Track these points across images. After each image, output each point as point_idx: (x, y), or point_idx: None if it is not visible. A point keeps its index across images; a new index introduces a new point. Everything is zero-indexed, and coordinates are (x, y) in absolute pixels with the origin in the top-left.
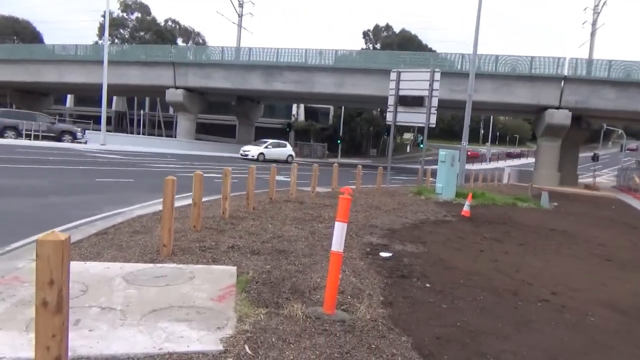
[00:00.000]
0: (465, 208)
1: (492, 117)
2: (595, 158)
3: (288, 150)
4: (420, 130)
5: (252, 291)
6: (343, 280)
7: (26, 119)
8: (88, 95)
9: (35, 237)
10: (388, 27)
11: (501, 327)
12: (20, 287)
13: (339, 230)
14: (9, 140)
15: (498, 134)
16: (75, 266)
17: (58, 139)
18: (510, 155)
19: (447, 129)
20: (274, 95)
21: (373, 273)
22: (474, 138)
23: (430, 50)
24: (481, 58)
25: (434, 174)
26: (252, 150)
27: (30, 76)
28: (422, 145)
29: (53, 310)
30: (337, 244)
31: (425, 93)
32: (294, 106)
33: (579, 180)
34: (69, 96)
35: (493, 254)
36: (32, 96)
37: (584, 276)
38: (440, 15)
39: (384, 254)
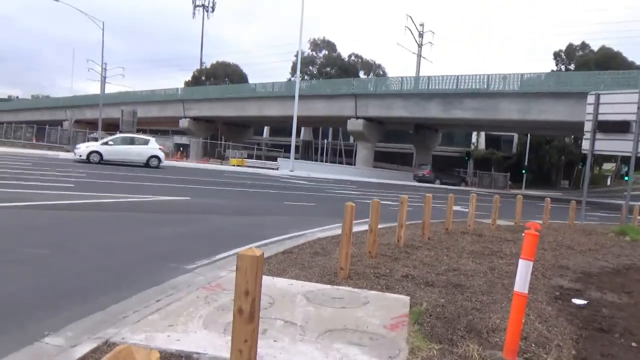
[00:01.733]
0: None
1: None
2: None
3: (149, 149)
4: (624, 160)
5: (425, 324)
6: (527, 325)
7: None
8: (281, 126)
9: (235, 251)
10: (584, 46)
11: None
12: (222, 294)
13: (524, 268)
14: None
15: None
16: (264, 280)
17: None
18: None
19: None
20: (453, 123)
21: (563, 321)
22: None
23: (638, 67)
24: None
25: None
26: (82, 149)
27: (237, 111)
28: (627, 178)
29: (247, 318)
30: (522, 284)
31: (633, 117)
32: (474, 134)
33: None
34: (265, 128)
35: None
36: (237, 128)
37: None
38: None
39: (577, 301)
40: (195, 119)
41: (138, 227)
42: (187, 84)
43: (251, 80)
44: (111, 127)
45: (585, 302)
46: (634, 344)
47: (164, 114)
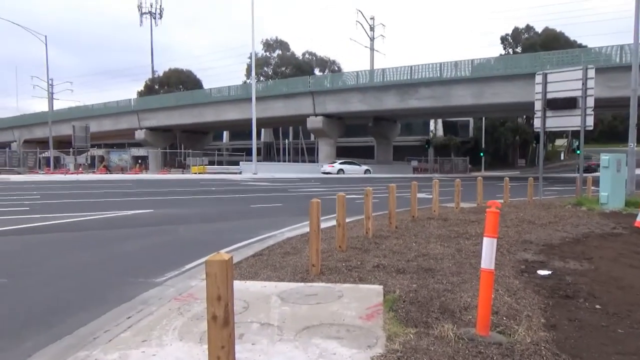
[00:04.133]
0: (639, 218)
1: None
2: None
3: None
4: (575, 134)
5: (399, 310)
6: (496, 300)
7: None
8: (241, 129)
9: (204, 259)
10: (529, 28)
11: None
12: (195, 303)
13: (489, 246)
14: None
15: None
16: (237, 285)
17: None
18: None
19: (607, 131)
20: (410, 113)
21: (530, 292)
22: None
23: (580, 46)
24: None
25: (595, 182)
26: None
27: (194, 118)
28: (578, 151)
29: (221, 324)
30: (487, 260)
31: (578, 93)
32: (432, 121)
33: None
34: (225, 132)
35: None
36: (195, 135)
37: None
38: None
39: (541, 272)
40: (151, 129)
41: (102, 244)
42: (140, 94)
43: (206, 86)
44: (63, 144)
45: (550, 272)
46: (598, 306)
47: (119, 127)
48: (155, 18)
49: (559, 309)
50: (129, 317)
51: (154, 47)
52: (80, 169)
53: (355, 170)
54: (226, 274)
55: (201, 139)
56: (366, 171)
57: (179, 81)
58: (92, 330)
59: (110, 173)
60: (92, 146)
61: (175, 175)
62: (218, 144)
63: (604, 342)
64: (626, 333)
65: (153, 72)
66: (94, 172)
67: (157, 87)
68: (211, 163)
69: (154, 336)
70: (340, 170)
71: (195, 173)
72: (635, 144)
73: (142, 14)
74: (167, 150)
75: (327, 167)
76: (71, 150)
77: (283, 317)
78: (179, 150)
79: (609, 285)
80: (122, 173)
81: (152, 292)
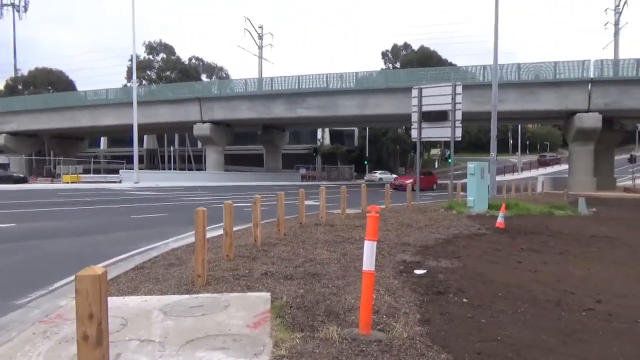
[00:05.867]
0: (499, 220)
1: (519, 126)
2: (632, 160)
3: None
4: (447, 144)
5: (287, 316)
6: (377, 300)
7: None
8: (120, 136)
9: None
10: (406, 46)
11: (545, 340)
12: (64, 325)
13: (369, 249)
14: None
15: (528, 142)
16: (114, 301)
17: None
18: (542, 163)
19: (474, 142)
20: (299, 121)
21: (408, 291)
22: (503, 148)
23: (450, 64)
24: (503, 68)
25: (464, 188)
26: None
27: (66, 122)
28: (449, 160)
29: (94, 344)
30: (368, 263)
31: (449, 107)
32: (319, 130)
33: (618, 184)
34: (102, 138)
35: (532, 264)
36: (68, 141)
37: (630, 282)
38: (459, 29)
39: (418, 271)
40: (13, 134)
41: None
42: (0, 94)
43: (80, 88)
44: None
45: (425, 271)
46: (465, 300)
47: None
48: (18, 11)
49: (432, 305)
50: None
51: (17, 43)
52: None
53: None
54: (99, 290)
55: (75, 145)
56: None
57: (48, 82)
58: None
59: None
60: None
61: (43, 185)
62: (95, 151)
63: (470, 331)
64: (488, 322)
65: (16, 70)
66: None
67: (20, 87)
68: (87, 171)
69: None
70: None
71: (68, 182)
72: (496, 154)
73: (3, 5)
74: (34, 158)
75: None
76: None
77: (165, 331)
78: (48, 158)
79: (475, 281)
80: None
81: (12, 316)
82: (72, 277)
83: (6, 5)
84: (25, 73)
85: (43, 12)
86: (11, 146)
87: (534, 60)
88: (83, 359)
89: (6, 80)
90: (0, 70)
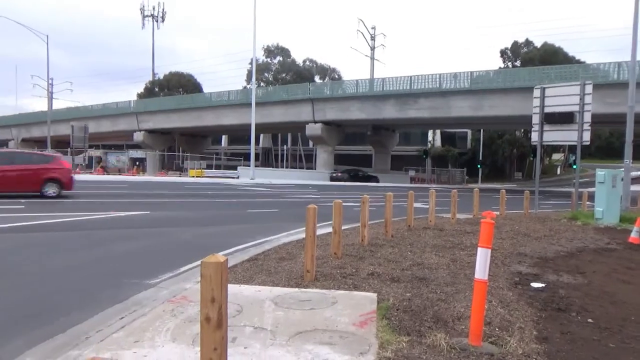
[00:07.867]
0: (634, 235)
1: None
2: None
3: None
4: (572, 149)
5: (392, 318)
6: (489, 311)
7: None
8: (239, 134)
9: (199, 262)
10: (528, 43)
11: None
12: (188, 306)
13: (483, 256)
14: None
15: None
16: (231, 288)
17: None
18: None
19: (604, 147)
20: (409, 122)
21: (523, 305)
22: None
23: (578, 61)
24: None
25: (590, 197)
26: None
27: (194, 121)
28: (575, 166)
29: (215, 325)
30: (481, 271)
31: (575, 108)
32: (430, 132)
33: None
34: (223, 137)
35: None
36: (194, 139)
37: None
38: (589, 23)
39: (535, 285)
40: (150, 131)
41: (96, 244)
42: (140, 96)
43: (206, 90)
44: (62, 144)
45: (543, 285)
46: (590, 320)
47: (117, 128)
48: (157, 21)
49: (551, 322)
50: (122, 318)
51: (155, 50)
52: (78, 169)
53: None
54: (221, 276)
55: (200, 142)
56: None
57: (179, 84)
58: (85, 330)
59: (108, 174)
60: (90, 147)
61: (172, 178)
62: (217, 148)
63: (595, 355)
64: (618, 347)
65: (153, 74)
66: (91, 173)
67: (157, 89)
68: (209, 167)
69: (147, 337)
70: None
71: (193, 176)
72: (632, 161)
73: (144, 17)
74: (166, 153)
75: None
76: (69, 150)
77: (276, 321)
78: (177, 153)
79: (602, 300)
80: (120, 174)
81: (146, 294)
82: (195, 263)
83: (147, 16)
84: (161, 77)
85: (176, 21)
86: (148, 142)
87: None
88: (205, 339)
89: (145, 84)
90: (142, 74)
